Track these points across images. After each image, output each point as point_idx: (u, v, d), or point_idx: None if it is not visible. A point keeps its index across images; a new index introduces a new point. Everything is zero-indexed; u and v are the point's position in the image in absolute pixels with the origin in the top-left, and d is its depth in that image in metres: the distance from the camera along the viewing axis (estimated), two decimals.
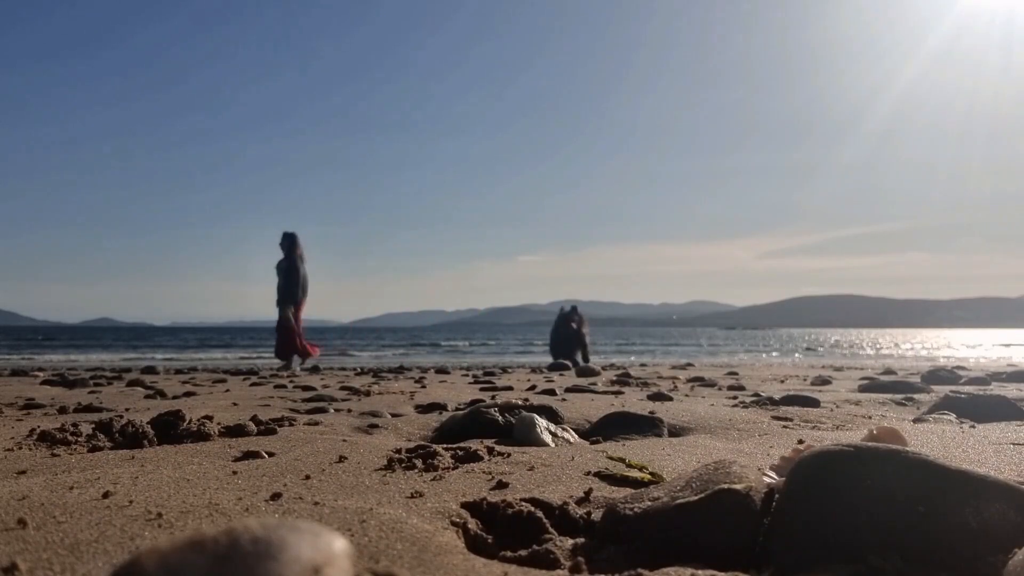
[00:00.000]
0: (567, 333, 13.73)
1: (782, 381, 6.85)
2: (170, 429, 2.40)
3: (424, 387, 5.50)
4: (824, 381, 6.40)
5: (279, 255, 11.33)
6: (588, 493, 1.58)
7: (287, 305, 11.17)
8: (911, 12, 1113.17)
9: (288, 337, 11.23)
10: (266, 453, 2.08)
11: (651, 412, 3.03)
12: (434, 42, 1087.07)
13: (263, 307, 12.73)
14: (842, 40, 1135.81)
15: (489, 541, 1.33)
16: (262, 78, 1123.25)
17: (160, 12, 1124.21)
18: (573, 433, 2.60)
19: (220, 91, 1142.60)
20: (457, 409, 3.53)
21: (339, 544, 0.73)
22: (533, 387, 5.35)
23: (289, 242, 11.37)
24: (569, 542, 1.31)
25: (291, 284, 11.25)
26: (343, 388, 5.22)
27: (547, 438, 2.43)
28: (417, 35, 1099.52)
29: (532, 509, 1.39)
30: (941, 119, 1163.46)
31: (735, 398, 4.37)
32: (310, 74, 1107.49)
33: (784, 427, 2.90)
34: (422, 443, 2.26)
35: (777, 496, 1.25)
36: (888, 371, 8.96)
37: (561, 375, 7.94)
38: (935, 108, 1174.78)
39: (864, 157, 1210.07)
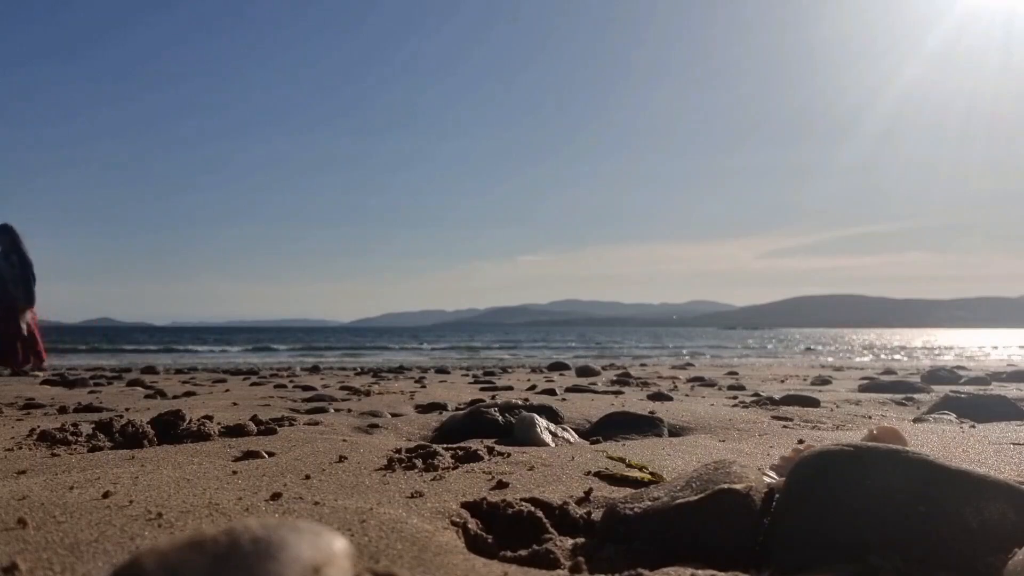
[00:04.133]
0: None
1: (782, 381, 6.85)
2: (170, 429, 2.40)
3: (424, 387, 5.50)
4: (824, 381, 6.40)
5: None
6: (588, 493, 1.58)
7: (27, 305, 10.05)
8: (911, 11, 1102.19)
9: (15, 343, 10.04)
10: (266, 453, 2.08)
11: (651, 412, 3.03)
12: (434, 42, 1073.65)
13: (263, 307, 12.55)
14: (842, 40, 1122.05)
15: (489, 541, 1.33)
16: (262, 79, 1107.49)
17: (159, 12, 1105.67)
18: (573, 433, 2.60)
19: (221, 91, 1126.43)
20: (457, 409, 3.53)
21: (339, 544, 0.73)
22: (533, 387, 5.35)
23: (10, 236, 10.00)
24: (569, 542, 1.31)
25: (26, 281, 10.04)
26: (343, 388, 5.22)
27: (547, 438, 2.43)
28: (417, 36, 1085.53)
29: (532, 509, 1.39)
30: (941, 119, 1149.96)
31: (735, 398, 4.37)
32: (310, 75, 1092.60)
33: (784, 427, 2.90)
34: (422, 443, 2.26)
35: (777, 496, 1.25)
36: (888, 371, 8.95)
37: (561, 375, 7.94)
38: (935, 108, 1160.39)
39: (864, 157, 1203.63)
